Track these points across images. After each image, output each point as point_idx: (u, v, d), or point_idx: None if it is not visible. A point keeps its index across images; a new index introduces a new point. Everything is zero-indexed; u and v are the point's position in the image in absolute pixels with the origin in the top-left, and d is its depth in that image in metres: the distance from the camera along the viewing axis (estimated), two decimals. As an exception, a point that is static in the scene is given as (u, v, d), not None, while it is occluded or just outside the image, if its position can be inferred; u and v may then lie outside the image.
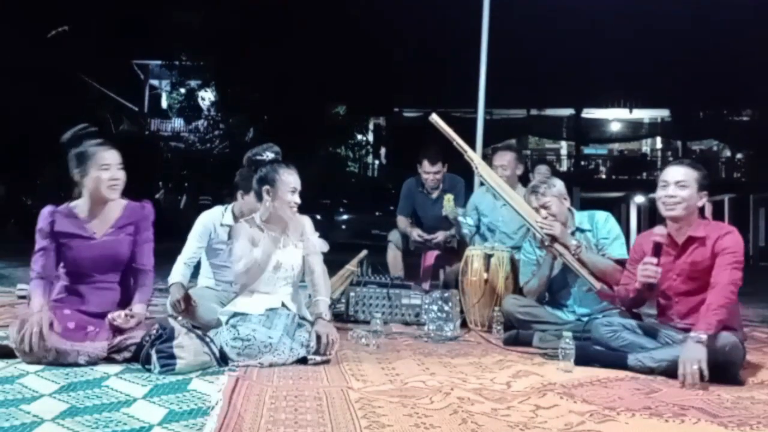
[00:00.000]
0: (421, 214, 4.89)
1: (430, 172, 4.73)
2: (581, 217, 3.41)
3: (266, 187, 2.84)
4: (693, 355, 2.48)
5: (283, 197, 2.84)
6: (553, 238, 3.21)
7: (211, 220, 3.56)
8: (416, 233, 4.68)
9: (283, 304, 2.86)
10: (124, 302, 2.71)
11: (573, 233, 3.32)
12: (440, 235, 4.65)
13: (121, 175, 2.69)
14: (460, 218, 4.26)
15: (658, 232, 2.74)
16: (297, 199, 2.86)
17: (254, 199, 3.16)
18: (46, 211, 2.69)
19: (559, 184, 3.39)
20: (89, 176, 2.66)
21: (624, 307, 3.08)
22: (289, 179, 2.85)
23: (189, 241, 3.53)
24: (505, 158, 4.39)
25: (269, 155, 2.89)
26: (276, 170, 2.85)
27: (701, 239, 2.71)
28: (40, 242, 2.66)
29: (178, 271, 3.42)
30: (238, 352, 2.60)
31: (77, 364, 2.43)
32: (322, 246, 3.00)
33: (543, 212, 3.30)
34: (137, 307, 2.67)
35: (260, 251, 2.79)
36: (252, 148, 2.99)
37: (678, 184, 2.73)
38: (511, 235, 4.26)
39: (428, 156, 4.73)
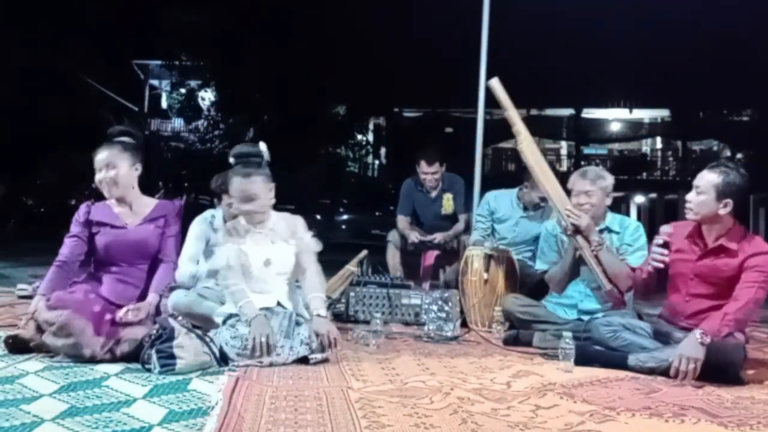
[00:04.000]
0: (421, 214, 4.90)
1: (428, 172, 4.74)
2: (613, 219, 3.37)
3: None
4: (692, 354, 2.50)
5: (233, 203, 2.97)
6: (577, 230, 3.18)
7: (206, 223, 3.65)
8: (414, 236, 4.67)
9: (279, 303, 2.86)
10: (144, 298, 2.77)
11: (601, 231, 3.28)
12: (438, 236, 4.65)
13: (107, 176, 2.79)
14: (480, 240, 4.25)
15: (664, 230, 2.79)
16: (246, 205, 2.88)
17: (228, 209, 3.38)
18: (84, 204, 2.88)
19: (609, 180, 3.34)
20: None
21: (639, 293, 3.13)
22: (235, 186, 2.89)
23: (189, 241, 3.56)
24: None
25: (231, 160, 2.93)
26: (230, 177, 2.92)
27: (733, 251, 2.69)
28: (73, 229, 2.82)
29: (188, 270, 3.45)
30: (237, 352, 2.61)
31: (78, 350, 2.47)
32: (315, 245, 2.98)
33: (583, 199, 3.23)
34: (150, 296, 2.75)
35: (232, 249, 2.83)
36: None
37: (695, 189, 2.75)
38: (520, 247, 4.20)
39: (426, 157, 4.74)
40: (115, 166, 2.79)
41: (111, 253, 2.80)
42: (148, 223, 2.86)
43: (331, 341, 2.72)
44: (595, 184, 3.26)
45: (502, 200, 4.35)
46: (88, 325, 2.51)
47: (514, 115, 3.46)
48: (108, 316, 2.61)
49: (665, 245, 2.78)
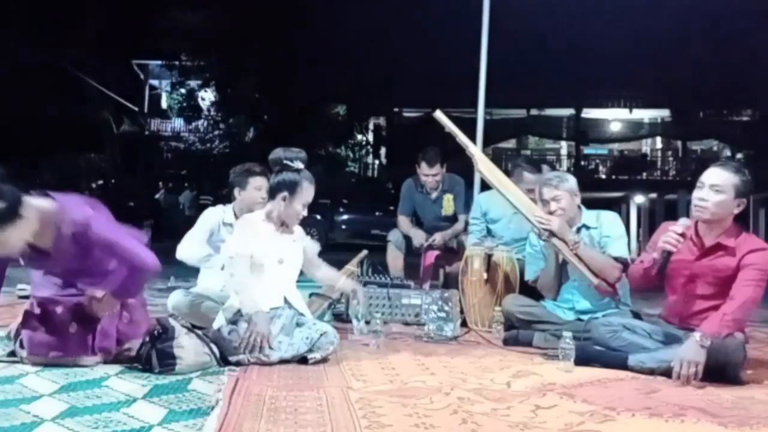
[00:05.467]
0: (421, 214, 4.89)
1: (428, 174, 4.73)
2: (589, 215, 3.40)
3: (285, 193, 2.88)
4: (692, 357, 2.49)
5: (296, 207, 2.91)
6: (551, 233, 3.21)
7: (215, 217, 3.64)
8: (419, 238, 4.66)
9: (286, 301, 2.87)
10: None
11: (578, 230, 3.31)
12: (438, 236, 4.64)
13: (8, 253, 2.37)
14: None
15: (682, 223, 2.74)
16: (305, 212, 2.96)
17: (252, 194, 3.47)
18: None
19: (572, 180, 3.36)
20: None
21: (637, 285, 3.08)
22: (308, 194, 2.93)
23: (196, 228, 3.61)
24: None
25: (299, 165, 2.94)
26: (301, 181, 2.91)
27: (731, 249, 2.67)
28: None
29: (197, 254, 3.52)
30: (234, 345, 2.62)
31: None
32: (316, 246, 3.13)
33: (553, 206, 3.27)
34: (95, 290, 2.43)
35: (247, 239, 2.82)
36: (283, 148, 3.01)
37: (713, 188, 2.65)
38: (519, 245, 4.19)
39: (426, 159, 4.73)
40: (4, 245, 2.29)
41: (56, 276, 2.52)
42: (61, 247, 2.37)
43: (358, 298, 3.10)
44: (560, 187, 3.29)
45: (493, 200, 4.33)
46: (78, 354, 2.43)
47: (464, 139, 3.61)
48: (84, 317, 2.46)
49: (683, 235, 2.71)
